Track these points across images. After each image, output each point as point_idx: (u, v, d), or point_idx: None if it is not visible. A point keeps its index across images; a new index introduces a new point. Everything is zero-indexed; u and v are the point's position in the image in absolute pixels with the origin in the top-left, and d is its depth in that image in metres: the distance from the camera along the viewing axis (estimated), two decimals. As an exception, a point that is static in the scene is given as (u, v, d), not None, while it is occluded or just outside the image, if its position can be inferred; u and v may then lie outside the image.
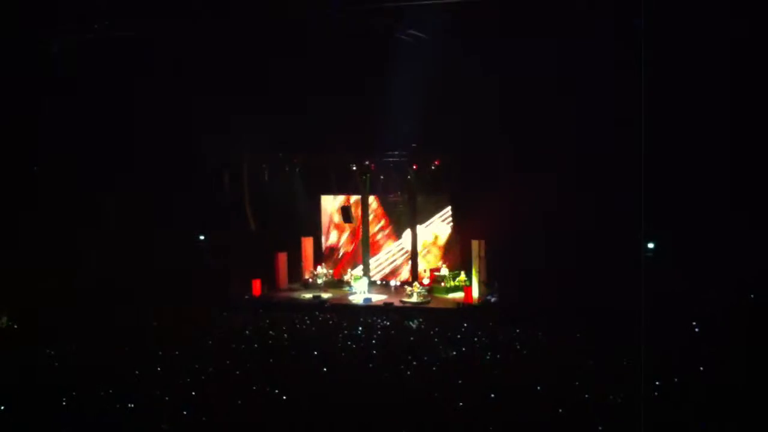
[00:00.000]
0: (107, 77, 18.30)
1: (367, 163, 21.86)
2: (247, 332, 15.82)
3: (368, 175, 22.11)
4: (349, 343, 14.49)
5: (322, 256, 23.92)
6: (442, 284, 21.13)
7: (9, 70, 17.11)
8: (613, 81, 14.59)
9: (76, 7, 16.18)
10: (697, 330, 14.44)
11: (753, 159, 16.05)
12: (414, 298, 19.83)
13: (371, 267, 22.73)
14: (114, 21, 16.38)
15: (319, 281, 22.28)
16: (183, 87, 18.33)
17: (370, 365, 12.64)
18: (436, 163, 21.21)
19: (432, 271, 21.91)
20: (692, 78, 15.67)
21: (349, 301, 20.40)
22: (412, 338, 15.03)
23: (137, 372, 12.18)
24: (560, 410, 9.96)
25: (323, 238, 24.12)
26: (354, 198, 23.29)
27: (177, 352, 13.76)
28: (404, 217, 22.77)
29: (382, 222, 23.31)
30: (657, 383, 10.67)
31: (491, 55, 16.71)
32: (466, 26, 16.25)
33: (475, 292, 19.72)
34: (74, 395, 10.80)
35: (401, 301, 19.86)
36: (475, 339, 14.76)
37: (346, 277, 22.22)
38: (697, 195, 16.76)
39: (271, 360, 13.08)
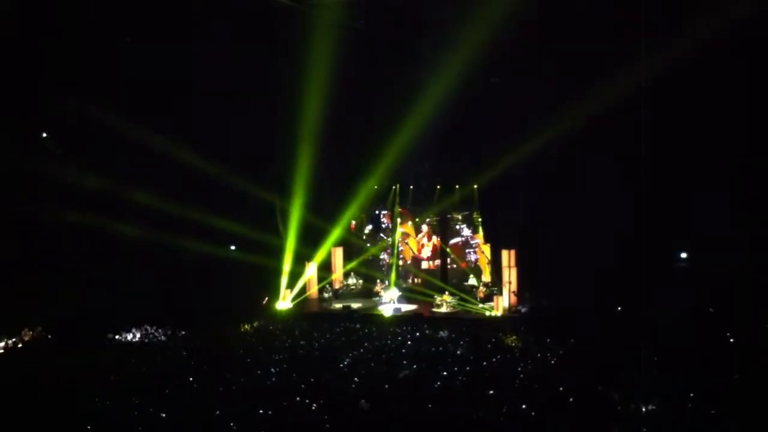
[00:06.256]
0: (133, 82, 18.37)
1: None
2: (276, 342, 15.93)
3: (396, 187, 22.26)
4: (378, 353, 14.52)
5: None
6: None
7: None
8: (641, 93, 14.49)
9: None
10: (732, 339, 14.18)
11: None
12: (443, 309, 19.77)
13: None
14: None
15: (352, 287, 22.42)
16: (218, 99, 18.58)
17: (400, 375, 12.64)
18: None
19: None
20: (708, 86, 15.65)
21: (379, 311, 20.39)
22: (441, 348, 15.00)
23: (169, 383, 12.35)
24: (591, 420, 9.88)
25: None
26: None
27: (212, 360, 13.93)
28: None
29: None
30: (691, 395, 10.50)
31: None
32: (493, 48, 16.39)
33: (505, 302, 19.59)
34: (107, 404, 11.02)
35: (431, 312, 19.81)
36: (506, 348, 14.66)
37: (375, 288, 22.23)
38: (728, 202, 16.57)
39: (300, 370, 13.13)
